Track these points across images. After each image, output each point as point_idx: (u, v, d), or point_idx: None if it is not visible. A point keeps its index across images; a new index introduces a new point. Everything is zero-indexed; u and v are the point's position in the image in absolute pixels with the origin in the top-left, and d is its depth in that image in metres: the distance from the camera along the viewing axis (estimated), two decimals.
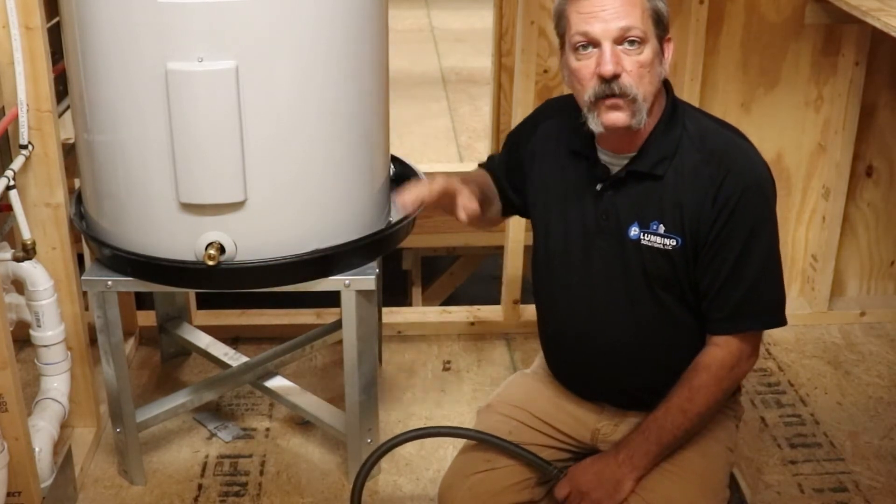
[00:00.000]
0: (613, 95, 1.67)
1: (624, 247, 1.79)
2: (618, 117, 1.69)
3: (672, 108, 1.78)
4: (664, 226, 1.76)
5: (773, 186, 1.79)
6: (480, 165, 2.13)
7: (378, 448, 1.98)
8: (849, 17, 2.53)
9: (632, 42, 1.66)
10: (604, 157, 1.81)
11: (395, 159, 2.45)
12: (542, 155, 1.91)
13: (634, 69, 1.67)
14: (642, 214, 1.77)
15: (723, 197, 1.72)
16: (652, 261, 1.78)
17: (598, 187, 1.80)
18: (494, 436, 1.90)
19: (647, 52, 1.67)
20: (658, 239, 1.77)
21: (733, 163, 1.74)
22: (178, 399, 2.49)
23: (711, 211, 1.72)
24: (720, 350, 1.79)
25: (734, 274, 1.75)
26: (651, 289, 1.80)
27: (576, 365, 1.94)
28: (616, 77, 1.66)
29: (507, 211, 2.07)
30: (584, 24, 1.67)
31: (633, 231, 1.78)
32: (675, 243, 1.76)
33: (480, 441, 1.92)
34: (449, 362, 2.94)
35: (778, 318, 1.81)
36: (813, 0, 2.75)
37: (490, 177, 2.06)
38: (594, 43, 1.67)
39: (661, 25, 1.70)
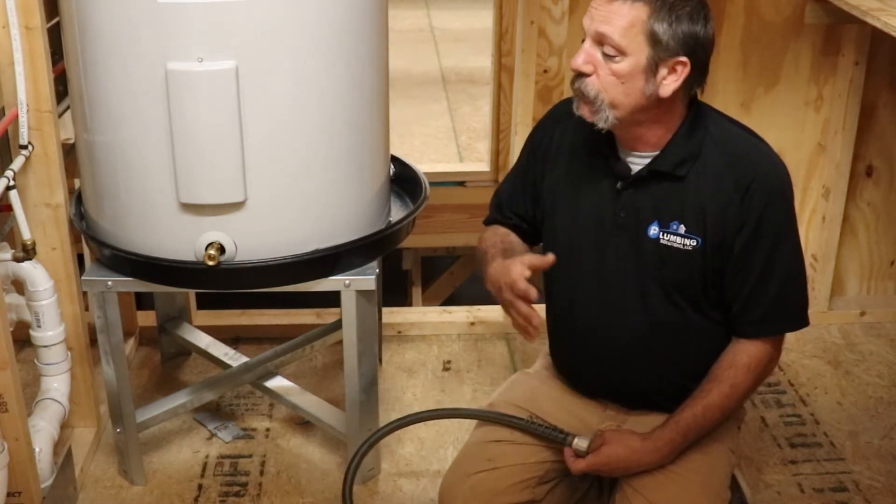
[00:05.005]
0: (579, 90, 1.73)
1: (641, 245, 1.80)
2: (583, 110, 1.75)
3: (696, 113, 1.79)
4: (685, 226, 1.77)
5: (792, 189, 1.82)
6: (488, 223, 2.06)
7: (367, 439, 2.01)
8: (849, 17, 2.52)
9: (609, 50, 1.68)
10: (624, 155, 1.81)
11: (395, 159, 2.45)
12: (560, 152, 1.91)
13: (605, 75, 1.69)
14: (662, 214, 1.78)
15: (749, 203, 1.74)
16: (669, 260, 1.78)
17: (619, 185, 1.81)
18: (494, 412, 1.92)
19: (625, 65, 1.68)
20: (678, 239, 1.78)
21: (758, 169, 1.76)
22: (178, 399, 2.49)
23: (737, 217, 1.74)
24: (754, 348, 1.81)
25: (763, 280, 1.77)
26: (664, 288, 1.80)
27: (583, 362, 1.94)
28: (582, 74, 1.71)
29: (537, 239, 2.02)
30: (587, 15, 1.72)
31: (653, 230, 1.79)
32: (695, 243, 1.77)
33: (476, 418, 1.96)
34: (449, 362, 2.94)
35: (804, 320, 1.86)
36: (813, 0, 2.75)
37: (508, 229, 2.00)
38: (587, 35, 1.72)
39: (659, 46, 1.67)
